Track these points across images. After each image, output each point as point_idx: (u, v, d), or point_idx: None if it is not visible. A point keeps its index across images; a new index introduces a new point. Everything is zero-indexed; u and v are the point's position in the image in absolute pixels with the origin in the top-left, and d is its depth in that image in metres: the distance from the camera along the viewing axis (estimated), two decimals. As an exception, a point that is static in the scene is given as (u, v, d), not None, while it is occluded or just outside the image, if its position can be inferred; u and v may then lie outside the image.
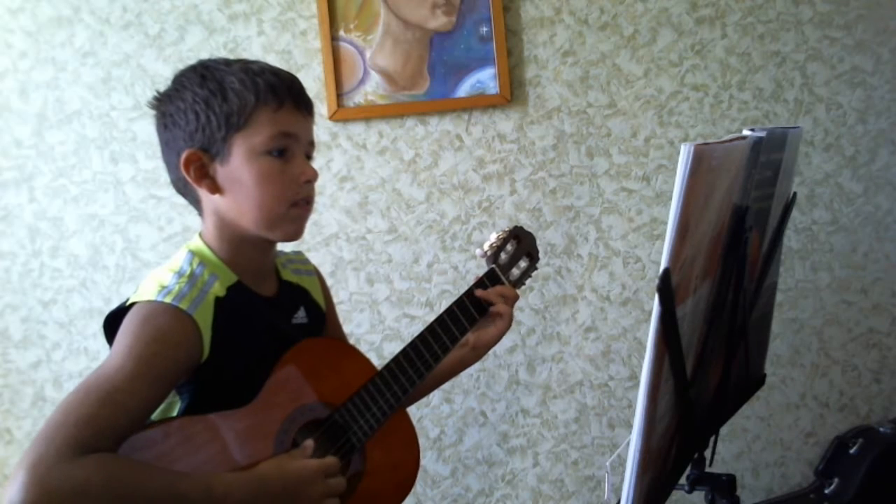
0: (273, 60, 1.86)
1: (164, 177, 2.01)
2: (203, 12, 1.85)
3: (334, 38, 1.83)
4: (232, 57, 1.08)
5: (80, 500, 0.80)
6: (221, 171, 1.01)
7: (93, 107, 1.87)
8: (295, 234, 1.06)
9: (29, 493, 0.78)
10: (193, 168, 1.01)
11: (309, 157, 1.08)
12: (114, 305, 2.00)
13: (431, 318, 1.87)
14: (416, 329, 1.89)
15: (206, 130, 1.00)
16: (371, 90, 1.85)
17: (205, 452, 0.93)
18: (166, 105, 1.03)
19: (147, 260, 1.88)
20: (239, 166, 1.00)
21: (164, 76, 1.85)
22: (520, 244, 1.29)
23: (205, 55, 1.84)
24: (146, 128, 1.87)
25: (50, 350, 1.90)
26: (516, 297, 1.24)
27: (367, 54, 1.85)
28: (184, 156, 1.00)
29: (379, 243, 1.89)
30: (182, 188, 1.05)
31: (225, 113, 0.99)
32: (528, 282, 1.33)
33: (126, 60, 1.86)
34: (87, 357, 1.90)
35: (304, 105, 1.05)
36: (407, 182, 1.88)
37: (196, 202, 1.06)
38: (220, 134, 0.99)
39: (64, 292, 1.89)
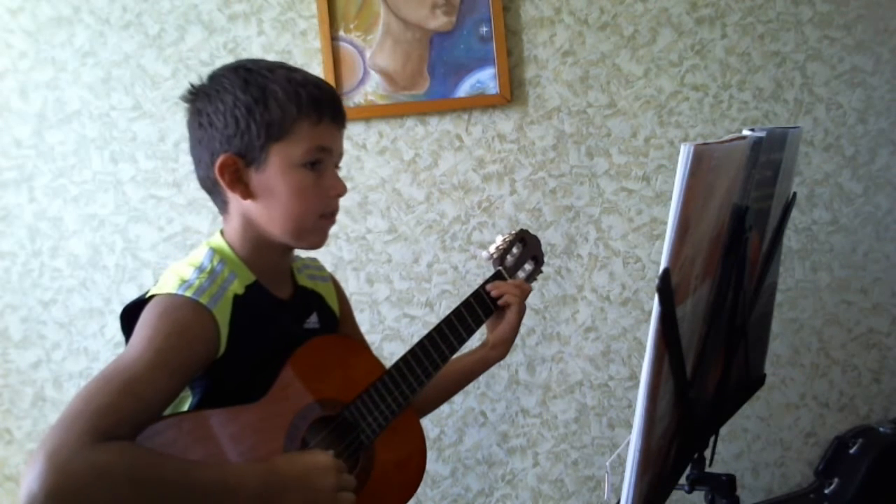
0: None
1: (164, 177, 2.01)
2: (203, 12, 1.85)
3: (334, 38, 1.83)
4: (246, 58, 1.08)
5: (102, 484, 0.81)
6: (256, 178, 1.02)
7: (93, 107, 1.87)
8: (319, 244, 1.09)
9: (49, 478, 0.78)
10: (228, 172, 1.01)
11: (337, 167, 1.09)
12: (114, 305, 2.00)
13: (431, 317, 1.89)
14: (417, 329, 1.90)
15: (245, 137, 1.00)
16: (371, 90, 1.85)
17: (214, 447, 0.93)
18: (204, 103, 1.02)
19: (147, 260, 1.88)
20: (274, 176, 1.01)
21: (164, 76, 1.86)
22: (525, 247, 1.29)
23: (205, 55, 1.85)
24: (146, 128, 1.87)
25: (50, 350, 1.90)
26: (527, 290, 1.26)
27: (367, 54, 1.85)
28: (220, 160, 1.01)
29: (379, 243, 1.89)
30: (210, 187, 1.06)
31: (266, 122, 0.99)
32: (532, 284, 1.33)
33: (126, 60, 1.86)
34: (87, 357, 1.90)
35: (340, 119, 1.06)
36: (407, 182, 1.88)
37: (223, 202, 1.06)
38: (259, 142, 1.00)
39: (64, 292, 1.89)
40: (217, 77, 1.03)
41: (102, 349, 1.89)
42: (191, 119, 1.05)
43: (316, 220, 1.05)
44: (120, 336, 1.67)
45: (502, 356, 1.26)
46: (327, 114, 1.03)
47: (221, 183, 1.02)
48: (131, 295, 1.86)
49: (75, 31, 1.85)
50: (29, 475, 0.79)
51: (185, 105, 1.05)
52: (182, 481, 0.86)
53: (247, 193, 1.02)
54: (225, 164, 1.01)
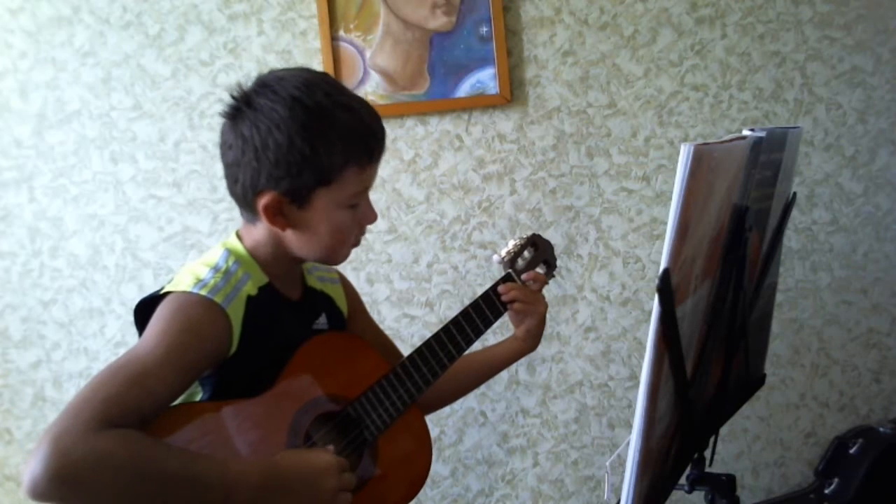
0: (273, 60, 1.87)
1: (164, 177, 2.00)
2: (203, 12, 1.85)
3: (334, 38, 1.83)
4: (293, 71, 1.04)
5: (102, 471, 0.82)
6: (297, 214, 1.03)
7: (93, 107, 1.87)
8: (341, 262, 1.12)
9: (51, 463, 0.80)
10: (271, 209, 1.01)
11: None
12: (114, 305, 2.00)
13: (431, 317, 1.89)
14: (417, 329, 1.90)
15: (297, 181, 1.00)
16: (371, 90, 1.85)
17: (216, 438, 0.95)
18: (251, 131, 0.99)
19: (147, 260, 1.88)
20: (317, 215, 1.03)
21: (164, 76, 1.86)
22: (537, 251, 1.30)
23: (205, 55, 1.85)
24: (146, 128, 1.87)
25: (50, 350, 1.90)
26: (539, 283, 1.26)
27: (367, 54, 1.85)
28: (265, 199, 1.00)
29: (379, 243, 1.89)
30: (243, 203, 1.05)
31: (319, 169, 1.00)
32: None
33: (126, 60, 1.86)
34: (87, 357, 1.90)
35: (382, 154, 1.09)
36: (407, 182, 1.88)
37: (254, 218, 1.05)
38: (307, 185, 1.00)
39: (64, 292, 1.89)
40: (267, 107, 0.98)
41: (102, 349, 1.89)
42: (232, 138, 1.01)
43: (348, 249, 1.09)
44: (120, 336, 1.68)
45: (533, 348, 1.28)
46: (374, 157, 1.05)
47: (262, 215, 1.02)
48: (131, 295, 1.87)
49: (75, 31, 1.85)
50: (33, 459, 0.80)
51: (223, 119, 1.02)
52: (183, 473, 0.88)
53: (285, 225, 1.03)
54: (270, 203, 1.00)
